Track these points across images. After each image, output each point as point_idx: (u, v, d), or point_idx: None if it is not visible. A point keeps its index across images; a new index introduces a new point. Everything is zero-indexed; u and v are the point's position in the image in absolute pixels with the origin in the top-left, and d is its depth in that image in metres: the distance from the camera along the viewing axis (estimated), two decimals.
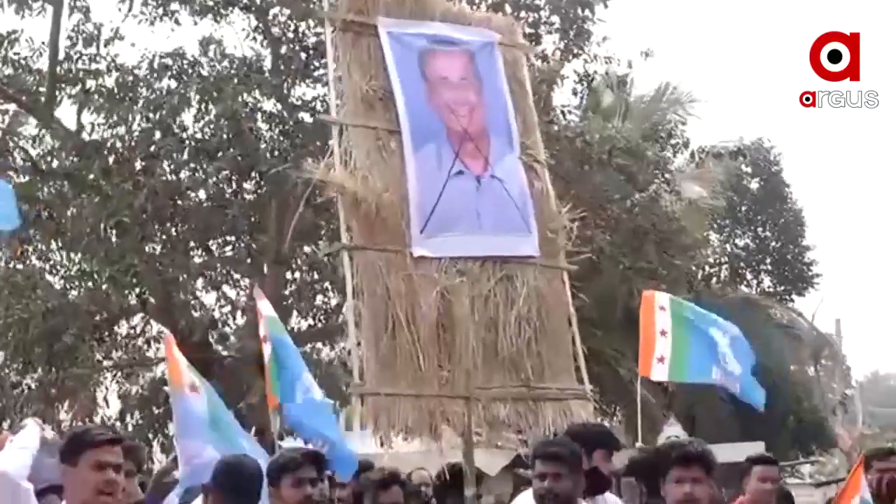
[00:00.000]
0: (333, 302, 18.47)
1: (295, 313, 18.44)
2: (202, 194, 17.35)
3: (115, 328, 18.04)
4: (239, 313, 18.06)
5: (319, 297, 18.55)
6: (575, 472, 5.45)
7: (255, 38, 17.80)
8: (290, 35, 17.60)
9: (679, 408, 22.11)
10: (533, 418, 7.51)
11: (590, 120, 20.52)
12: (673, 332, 9.79)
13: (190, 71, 17.01)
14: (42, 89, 17.52)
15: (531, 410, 7.54)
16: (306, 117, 17.06)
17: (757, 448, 20.68)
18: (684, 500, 5.35)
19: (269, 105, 17.15)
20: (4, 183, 7.27)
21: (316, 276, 18.30)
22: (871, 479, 6.90)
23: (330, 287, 18.04)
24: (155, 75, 16.99)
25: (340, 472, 6.89)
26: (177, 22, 17.40)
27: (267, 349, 7.22)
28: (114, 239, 16.65)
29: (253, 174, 16.70)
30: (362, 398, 6.96)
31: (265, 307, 7.61)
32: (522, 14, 16.68)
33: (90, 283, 17.28)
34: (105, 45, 17.38)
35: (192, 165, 16.92)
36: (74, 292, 17.38)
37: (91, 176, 16.42)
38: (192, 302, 17.65)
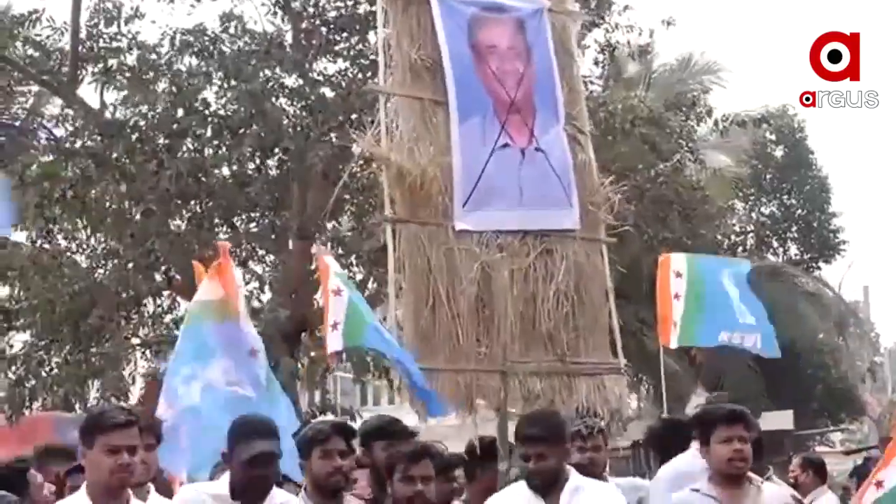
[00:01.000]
0: (359, 277, 18.41)
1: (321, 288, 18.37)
2: (225, 171, 17.32)
3: (143, 307, 18.04)
4: (267, 288, 18.04)
5: (345, 272, 18.48)
6: (558, 447, 5.56)
7: (275, 13, 17.72)
8: (311, 10, 17.52)
9: (707, 378, 22.09)
10: (567, 393, 7.48)
11: (612, 90, 20.36)
12: (686, 294, 9.74)
13: (211, 48, 16.95)
14: (64, 69, 17.50)
15: (566, 385, 7.51)
16: (328, 92, 17.00)
17: (786, 417, 20.78)
18: (735, 458, 5.41)
19: (291, 81, 17.08)
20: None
21: (340, 251, 18.24)
22: None
23: (355, 262, 18.00)
24: (176, 53, 16.94)
25: (433, 412, 6.82)
26: None
27: (342, 299, 7.02)
28: (138, 218, 16.67)
29: (276, 150, 16.64)
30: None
31: (331, 262, 7.44)
32: None
33: (116, 263, 17.28)
34: (125, 24, 17.37)
35: (215, 143, 16.88)
36: (101, 271, 17.38)
37: (115, 155, 16.41)
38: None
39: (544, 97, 7.91)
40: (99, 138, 16.73)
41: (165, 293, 18.22)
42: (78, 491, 4.85)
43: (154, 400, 6.96)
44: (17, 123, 19.32)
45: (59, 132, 17.82)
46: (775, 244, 30.28)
